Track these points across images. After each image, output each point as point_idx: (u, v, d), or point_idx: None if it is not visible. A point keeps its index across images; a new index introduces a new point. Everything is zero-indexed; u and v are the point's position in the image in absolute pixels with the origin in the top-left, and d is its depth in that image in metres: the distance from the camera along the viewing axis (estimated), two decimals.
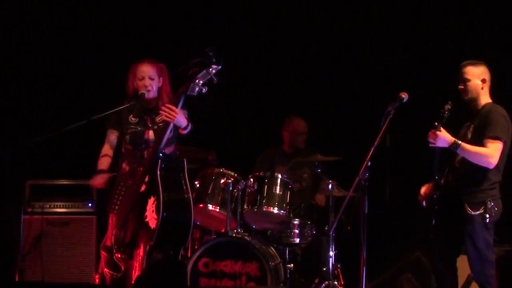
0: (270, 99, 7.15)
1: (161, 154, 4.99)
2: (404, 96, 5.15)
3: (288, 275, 5.89)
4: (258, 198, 5.96)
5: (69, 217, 6.55)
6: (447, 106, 5.12)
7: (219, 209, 5.97)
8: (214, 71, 4.87)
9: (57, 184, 6.68)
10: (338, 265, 6.07)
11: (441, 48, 6.73)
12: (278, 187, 5.99)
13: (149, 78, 5.20)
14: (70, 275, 6.36)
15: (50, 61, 7.26)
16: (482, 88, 5.15)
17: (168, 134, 4.99)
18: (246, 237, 5.81)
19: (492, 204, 5.04)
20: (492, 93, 5.20)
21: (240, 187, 5.93)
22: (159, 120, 5.15)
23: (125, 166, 5.22)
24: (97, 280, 5.60)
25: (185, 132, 5.08)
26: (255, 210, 5.96)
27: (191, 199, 5.09)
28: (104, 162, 5.27)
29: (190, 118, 5.14)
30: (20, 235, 6.23)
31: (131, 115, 5.25)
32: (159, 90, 5.26)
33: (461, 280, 5.46)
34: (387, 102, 5.14)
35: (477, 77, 5.15)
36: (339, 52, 7.08)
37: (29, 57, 7.24)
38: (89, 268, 6.37)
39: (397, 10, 6.92)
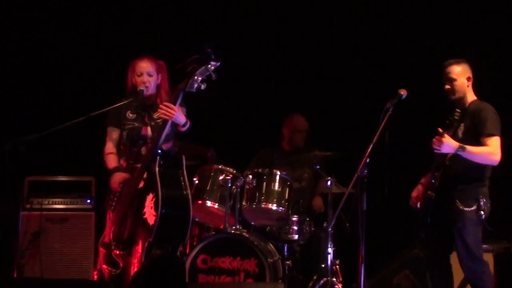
0: (269, 96, 7.15)
1: (159, 151, 4.99)
2: (403, 93, 5.15)
3: (287, 272, 5.88)
4: (257, 195, 5.96)
5: (68, 214, 6.54)
6: (456, 115, 5.16)
7: (217, 205, 5.97)
8: (213, 67, 4.87)
9: (55, 180, 6.68)
10: (337, 262, 6.07)
11: (440, 44, 6.73)
12: (277, 184, 5.99)
13: (147, 75, 5.20)
14: (68, 272, 6.35)
15: (49, 58, 7.25)
16: (468, 86, 5.19)
17: (166, 131, 4.99)
18: (244, 234, 5.81)
19: (484, 201, 5.06)
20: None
21: (238, 184, 5.93)
22: (157, 117, 5.14)
23: (122, 163, 5.22)
24: (95, 277, 5.61)
25: (184, 129, 5.08)
26: (254, 206, 5.96)
27: (190, 196, 5.09)
28: (112, 160, 5.25)
29: (189, 115, 5.14)
30: (18, 231, 6.22)
31: (129, 112, 5.25)
32: (158, 86, 5.26)
33: (459, 278, 5.45)
34: (386, 99, 5.14)
35: (462, 75, 5.18)
36: (338, 49, 7.08)
37: (27, 54, 7.24)
38: (88, 265, 6.36)
39: (396, 7, 6.91)
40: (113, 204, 5.17)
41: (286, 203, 5.98)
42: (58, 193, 6.61)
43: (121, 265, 5.05)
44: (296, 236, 6.12)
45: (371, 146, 4.99)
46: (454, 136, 5.10)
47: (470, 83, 5.21)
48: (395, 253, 6.18)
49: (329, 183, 6.01)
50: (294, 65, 7.17)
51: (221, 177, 5.93)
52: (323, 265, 5.90)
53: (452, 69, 5.17)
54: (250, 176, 6.00)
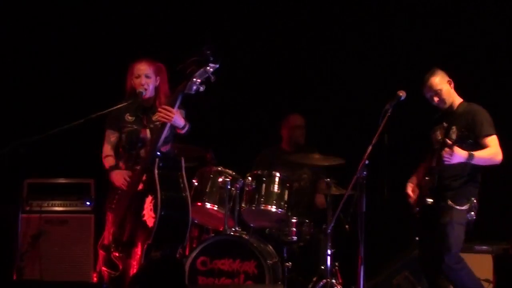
0: (268, 97, 7.15)
1: (158, 153, 4.99)
2: (402, 94, 5.17)
3: (286, 274, 5.89)
4: (256, 197, 5.96)
5: (67, 216, 6.55)
6: (445, 119, 5.16)
7: (217, 207, 5.97)
8: (211, 69, 4.86)
9: (55, 182, 6.68)
10: (336, 264, 6.07)
11: (439, 46, 6.73)
12: (276, 185, 5.99)
13: (145, 77, 5.20)
14: (68, 274, 6.36)
15: (48, 61, 7.25)
16: (452, 89, 5.25)
17: (165, 133, 4.99)
18: (244, 236, 5.81)
19: (475, 202, 5.08)
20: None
21: (238, 186, 5.93)
22: (155, 119, 5.14)
23: (121, 165, 5.21)
24: (95, 279, 5.60)
25: (183, 131, 5.08)
26: (253, 208, 5.96)
27: (189, 198, 5.09)
28: (110, 161, 5.25)
29: (188, 117, 5.14)
30: (18, 233, 6.23)
31: (128, 114, 5.24)
32: (156, 89, 5.25)
33: None
34: (385, 100, 5.14)
35: (443, 82, 5.24)
36: (338, 51, 7.08)
37: (27, 56, 7.24)
38: (87, 267, 6.36)
39: (395, 9, 6.91)
40: (113, 206, 5.16)
41: (286, 205, 5.98)
42: (57, 196, 6.61)
43: (120, 267, 5.05)
44: (295, 238, 6.11)
45: (370, 147, 4.99)
46: (446, 139, 5.13)
47: (452, 86, 5.27)
48: (395, 255, 6.18)
49: (328, 185, 6.01)
50: (293, 68, 7.18)
51: (220, 179, 5.93)
52: (322, 267, 5.90)
53: (432, 81, 5.22)
54: (250, 178, 6.00)
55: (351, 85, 7.01)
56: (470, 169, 5.09)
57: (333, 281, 5.86)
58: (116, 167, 5.19)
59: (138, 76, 5.20)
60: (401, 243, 6.27)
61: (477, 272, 5.77)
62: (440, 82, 5.22)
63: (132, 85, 5.23)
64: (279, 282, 5.76)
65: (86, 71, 7.21)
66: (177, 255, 5.17)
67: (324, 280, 5.84)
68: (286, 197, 6.00)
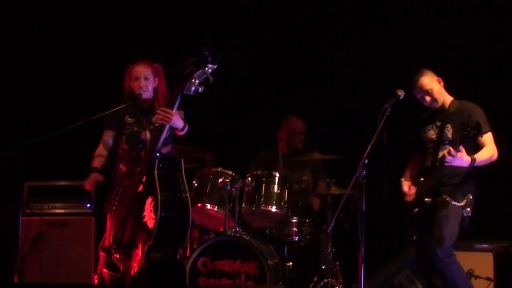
0: (267, 98, 7.15)
1: (158, 154, 4.99)
2: (401, 93, 5.16)
3: (287, 274, 5.89)
4: (256, 197, 5.97)
5: (68, 218, 6.55)
6: (436, 117, 5.16)
7: (217, 208, 5.97)
8: (210, 70, 4.88)
9: (55, 185, 6.68)
10: (337, 263, 6.08)
11: (438, 45, 6.73)
12: (276, 186, 6.00)
13: (144, 78, 5.21)
14: (69, 276, 6.35)
15: (47, 63, 7.26)
16: (442, 88, 5.26)
17: (164, 134, 4.99)
18: (244, 236, 5.81)
19: (471, 198, 5.09)
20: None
21: (238, 186, 5.93)
22: (155, 120, 5.14)
23: (122, 167, 5.22)
24: (96, 281, 5.60)
25: (182, 133, 5.09)
26: (253, 209, 5.96)
27: (189, 199, 5.10)
28: (97, 161, 5.28)
29: (187, 118, 5.14)
30: (18, 236, 6.23)
31: (127, 116, 5.25)
32: (155, 90, 5.26)
33: None
34: (384, 99, 5.14)
35: (433, 81, 5.26)
36: (336, 51, 7.08)
37: (26, 59, 7.24)
38: (88, 269, 6.36)
39: (395, 8, 6.91)
40: (113, 208, 5.16)
41: (286, 205, 5.98)
42: (57, 198, 6.62)
43: (121, 269, 5.06)
44: (296, 238, 6.12)
45: (369, 147, 4.99)
46: (441, 138, 5.12)
47: (442, 84, 5.28)
48: (395, 254, 6.18)
49: (327, 185, 6.01)
50: (292, 67, 7.18)
51: (220, 180, 5.94)
52: (323, 266, 5.91)
53: (422, 82, 5.23)
54: (249, 178, 6.00)
55: (350, 84, 7.01)
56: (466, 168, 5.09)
57: (334, 280, 5.87)
58: (96, 169, 5.21)
59: (137, 78, 5.21)
60: (401, 242, 6.26)
61: (477, 271, 5.80)
62: (430, 81, 5.23)
63: (130, 87, 5.24)
64: (280, 282, 5.76)
65: (85, 73, 7.22)
66: (178, 256, 5.18)
67: (325, 280, 5.85)
68: (286, 197, 6.00)
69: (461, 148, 4.93)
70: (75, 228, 6.51)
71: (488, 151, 5.08)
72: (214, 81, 4.89)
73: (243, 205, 5.98)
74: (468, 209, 5.09)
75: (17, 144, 5.12)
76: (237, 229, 5.90)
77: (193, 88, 4.90)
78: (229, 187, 5.89)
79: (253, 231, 6.01)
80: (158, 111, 4.98)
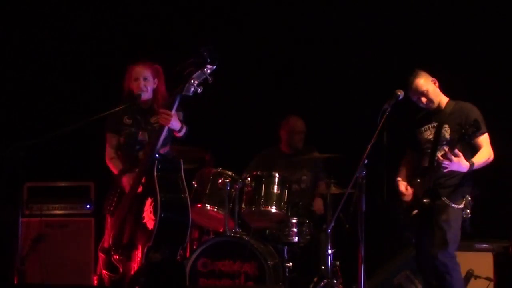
0: (267, 97, 7.14)
1: (157, 155, 4.99)
2: (400, 93, 5.15)
3: (287, 274, 5.89)
4: (256, 198, 5.96)
5: (67, 219, 6.55)
6: (433, 118, 5.16)
7: (217, 209, 5.98)
8: (209, 71, 4.88)
9: (55, 186, 6.68)
10: (337, 263, 6.07)
11: (436, 45, 6.73)
12: (276, 186, 5.99)
13: (143, 79, 5.20)
14: (68, 277, 6.35)
15: (47, 63, 7.25)
16: (437, 89, 5.24)
17: (163, 135, 4.99)
18: (244, 237, 5.81)
19: (470, 199, 5.07)
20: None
21: (237, 187, 5.93)
22: (154, 121, 5.14)
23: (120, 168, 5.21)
24: (95, 282, 5.61)
25: (179, 134, 5.09)
26: (253, 209, 5.96)
27: (189, 199, 5.09)
28: (117, 164, 5.25)
29: (186, 119, 5.14)
30: (18, 237, 6.22)
31: (126, 117, 5.25)
32: (154, 91, 5.26)
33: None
34: (384, 99, 5.14)
35: (428, 83, 5.22)
36: (336, 50, 7.07)
37: (26, 59, 7.24)
38: (88, 270, 6.36)
39: (394, 8, 6.90)
40: (112, 209, 5.16)
41: (285, 206, 5.98)
42: (57, 199, 6.61)
43: (121, 270, 5.05)
44: (295, 238, 6.12)
45: (369, 147, 4.99)
46: (438, 138, 5.11)
47: (437, 85, 5.26)
48: (395, 254, 6.17)
49: (327, 185, 6.01)
50: (291, 67, 7.17)
51: (220, 180, 5.94)
52: (323, 267, 5.90)
53: (417, 83, 5.20)
54: (249, 179, 6.00)
55: (350, 84, 7.01)
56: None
57: (334, 280, 5.87)
58: (125, 170, 5.18)
59: (136, 79, 5.21)
60: (401, 242, 6.26)
61: (477, 270, 5.80)
62: (425, 82, 5.20)
63: (130, 88, 5.24)
64: (280, 283, 5.76)
65: (85, 73, 7.21)
66: (178, 257, 5.18)
67: (325, 280, 5.84)
68: (285, 197, 6.00)
69: (458, 152, 4.90)
70: (75, 229, 6.51)
71: (485, 153, 5.05)
72: (214, 81, 4.89)
73: (243, 206, 5.97)
74: (468, 210, 5.07)
75: (17, 145, 5.11)
76: (237, 229, 5.90)
77: (192, 89, 4.90)
78: (229, 188, 5.88)
79: (253, 232, 6.01)
80: (160, 112, 4.98)
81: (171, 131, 5.07)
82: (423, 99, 5.21)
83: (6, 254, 6.14)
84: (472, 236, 5.56)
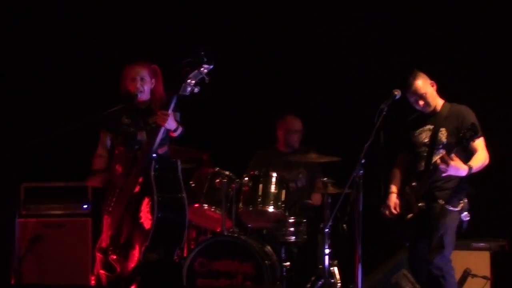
0: (264, 98, 7.15)
1: (154, 155, 4.99)
2: (397, 93, 5.14)
3: (285, 273, 5.89)
4: (253, 197, 5.96)
5: (64, 220, 6.54)
6: (428, 120, 5.15)
7: (214, 208, 5.98)
8: (206, 70, 4.88)
9: (52, 186, 6.67)
10: (334, 263, 6.07)
11: (434, 46, 6.74)
12: (273, 186, 5.99)
13: (140, 79, 5.21)
14: (66, 277, 6.34)
15: (44, 64, 7.25)
16: (435, 91, 5.21)
17: (161, 135, 5.00)
18: (241, 236, 5.81)
19: (466, 201, 5.07)
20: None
21: (235, 186, 5.93)
22: (151, 121, 5.14)
23: (118, 168, 5.21)
24: (93, 282, 5.61)
25: (175, 134, 5.10)
26: (251, 209, 5.96)
27: (186, 199, 5.10)
28: (99, 163, 5.28)
29: (183, 120, 5.15)
30: (15, 238, 6.23)
31: (124, 117, 5.25)
32: (152, 91, 5.26)
33: (457, 275, 5.45)
34: (381, 99, 5.14)
35: (427, 85, 5.18)
36: (333, 50, 7.08)
37: (23, 60, 7.24)
38: (85, 270, 6.34)
39: (390, 9, 6.91)
40: (109, 209, 5.16)
41: (283, 205, 5.98)
42: (54, 199, 6.61)
43: (118, 270, 5.05)
44: (293, 238, 6.12)
45: (366, 146, 4.99)
46: (434, 142, 5.09)
47: (435, 88, 5.22)
48: (392, 253, 6.18)
49: (325, 184, 6.01)
50: (288, 67, 7.17)
51: (217, 180, 5.94)
52: (320, 266, 5.90)
53: (416, 85, 5.15)
54: (246, 179, 6.00)
55: (347, 83, 7.01)
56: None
57: (332, 280, 5.87)
58: (99, 172, 5.22)
59: (133, 79, 5.21)
60: (396, 240, 6.26)
61: (474, 269, 5.81)
62: (424, 85, 5.17)
63: (127, 88, 5.24)
64: (278, 282, 5.76)
65: (82, 74, 7.21)
66: (175, 257, 5.18)
67: (323, 280, 5.84)
68: (283, 197, 6.00)
69: (454, 156, 4.88)
70: (72, 229, 6.50)
71: (481, 157, 5.03)
72: (211, 81, 4.90)
73: (241, 205, 5.98)
74: (466, 213, 5.05)
75: (13, 145, 5.11)
76: (234, 229, 5.90)
77: (189, 89, 4.90)
78: (226, 187, 5.88)
79: (250, 231, 6.01)
80: (158, 113, 4.99)
81: (167, 131, 5.07)
82: (421, 102, 5.18)
83: (3, 254, 6.15)
84: (469, 235, 5.56)
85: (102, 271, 5.15)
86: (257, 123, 6.98)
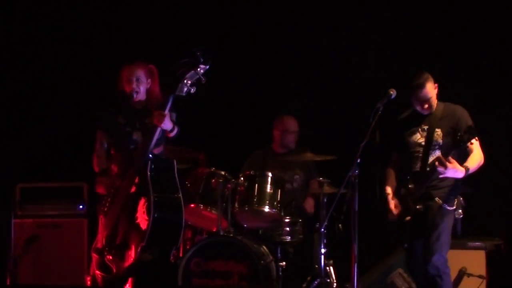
0: (260, 98, 7.15)
1: (150, 155, 5.00)
2: (393, 92, 5.12)
3: (280, 273, 5.90)
4: (249, 197, 5.96)
5: (60, 220, 6.54)
6: (424, 121, 5.12)
7: (210, 208, 5.98)
8: (202, 71, 4.89)
9: (47, 186, 6.66)
10: (330, 262, 6.08)
11: (430, 45, 6.75)
12: (269, 186, 5.99)
13: (136, 80, 5.22)
14: (61, 278, 6.34)
15: (40, 65, 7.24)
16: (436, 93, 5.18)
17: (157, 135, 5.00)
18: (237, 237, 5.82)
19: (461, 199, 5.07)
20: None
21: (230, 187, 5.94)
22: (147, 122, 5.15)
23: (114, 168, 5.21)
24: (88, 282, 5.61)
25: (171, 135, 5.11)
26: (246, 209, 5.96)
27: (182, 199, 5.10)
28: (100, 163, 5.27)
29: (179, 120, 5.15)
30: (11, 238, 6.22)
31: (120, 117, 5.25)
32: (148, 91, 5.26)
33: (452, 275, 5.46)
34: (377, 99, 5.14)
35: (433, 88, 5.13)
36: (328, 50, 7.08)
37: (19, 62, 7.23)
38: (81, 271, 6.34)
39: (387, 9, 6.92)
40: (106, 209, 5.16)
41: (279, 205, 5.98)
42: (50, 200, 6.61)
43: (114, 270, 5.05)
44: (289, 238, 6.13)
45: (362, 146, 4.99)
46: (430, 142, 5.09)
47: (437, 90, 5.17)
48: (388, 252, 6.19)
49: (321, 184, 6.01)
50: (284, 67, 7.17)
51: (213, 180, 5.94)
52: (316, 266, 5.91)
53: (427, 90, 5.08)
54: (242, 179, 6.00)
55: (342, 83, 7.01)
56: None
57: (327, 280, 5.87)
58: (104, 172, 5.19)
59: (130, 80, 5.22)
60: (394, 241, 6.28)
61: (470, 269, 5.82)
62: (431, 89, 5.11)
63: (123, 88, 5.24)
64: (274, 282, 5.76)
65: (78, 75, 7.20)
66: (171, 257, 5.18)
67: (319, 279, 5.85)
68: (279, 197, 6.00)
69: (451, 159, 4.87)
70: (68, 230, 6.50)
71: (477, 157, 5.01)
72: (207, 81, 4.90)
73: (236, 205, 5.98)
74: (460, 210, 5.06)
75: (9, 146, 5.11)
76: (230, 229, 5.90)
77: (185, 89, 4.91)
78: (222, 187, 5.89)
79: (246, 231, 6.01)
80: (154, 113, 4.99)
81: (163, 131, 5.08)
82: (426, 105, 5.12)
83: None
84: (464, 234, 5.57)
85: (98, 272, 5.15)
86: (253, 123, 6.99)
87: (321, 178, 6.04)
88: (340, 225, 5.89)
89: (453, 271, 5.39)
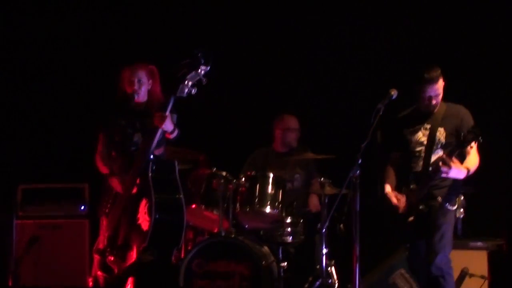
0: (260, 98, 7.15)
1: (151, 156, 5.00)
2: (394, 93, 5.11)
3: (282, 274, 5.89)
4: (251, 198, 5.96)
5: (62, 221, 6.54)
6: (426, 121, 5.11)
7: (211, 209, 5.97)
8: (203, 72, 4.89)
9: (49, 188, 6.67)
10: (332, 263, 6.08)
11: (431, 44, 6.75)
12: (270, 186, 5.98)
13: (138, 81, 5.22)
14: (63, 279, 6.35)
15: (41, 66, 7.25)
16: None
17: (158, 137, 5.01)
18: (239, 237, 5.81)
19: (462, 199, 5.06)
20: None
21: (232, 187, 5.93)
22: (148, 123, 5.15)
23: (115, 169, 5.22)
24: (90, 283, 5.61)
25: (171, 136, 5.11)
26: (248, 209, 5.96)
27: (183, 200, 5.10)
28: (109, 165, 5.26)
29: (179, 121, 5.15)
30: (12, 240, 6.23)
31: (121, 118, 5.25)
32: (149, 92, 5.27)
33: (454, 275, 5.46)
34: (378, 99, 5.14)
35: (443, 85, 5.12)
36: (329, 50, 7.08)
37: (19, 62, 7.23)
38: (82, 272, 6.35)
39: (387, 8, 6.92)
40: (107, 210, 5.17)
41: (280, 205, 5.98)
42: (51, 201, 6.61)
43: (115, 271, 5.06)
44: (290, 238, 6.11)
45: (363, 146, 4.99)
46: (432, 142, 5.08)
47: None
48: (390, 253, 6.19)
49: (322, 184, 6.01)
50: (284, 68, 7.18)
51: (214, 181, 5.94)
52: (318, 266, 5.90)
53: (439, 85, 5.07)
54: (243, 179, 6.00)
55: (343, 83, 7.02)
56: None
57: (329, 280, 5.87)
58: (115, 172, 5.19)
59: (131, 81, 5.22)
60: (395, 241, 6.27)
61: (472, 269, 5.82)
62: (442, 85, 5.10)
63: (124, 89, 5.24)
64: (275, 283, 5.76)
65: (79, 75, 7.21)
66: (173, 258, 5.19)
67: (320, 280, 5.85)
68: (280, 197, 5.99)
69: (455, 159, 4.86)
70: (69, 231, 6.51)
71: (475, 159, 5.01)
72: (208, 82, 4.90)
73: (237, 206, 5.97)
74: (461, 210, 5.06)
75: (10, 147, 5.12)
76: (232, 230, 5.90)
77: (186, 90, 4.91)
78: (223, 188, 5.88)
79: (248, 232, 6.01)
80: (155, 114, 5.00)
81: (163, 132, 5.08)
82: (434, 101, 5.10)
83: (0, 256, 6.15)
84: (466, 234, 5.57)
85: (99, 273, 5.16)
86: (254, 124, 6.99)
87: (322, 179, 6.04)
88: (341, 225, 5.89)
89: (455, 271, 5.39)
